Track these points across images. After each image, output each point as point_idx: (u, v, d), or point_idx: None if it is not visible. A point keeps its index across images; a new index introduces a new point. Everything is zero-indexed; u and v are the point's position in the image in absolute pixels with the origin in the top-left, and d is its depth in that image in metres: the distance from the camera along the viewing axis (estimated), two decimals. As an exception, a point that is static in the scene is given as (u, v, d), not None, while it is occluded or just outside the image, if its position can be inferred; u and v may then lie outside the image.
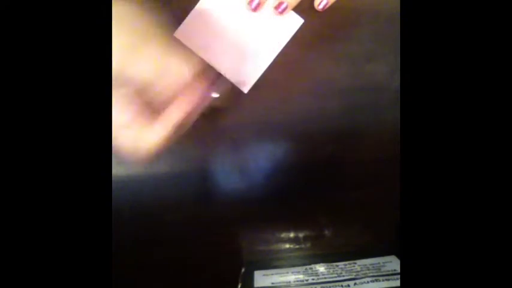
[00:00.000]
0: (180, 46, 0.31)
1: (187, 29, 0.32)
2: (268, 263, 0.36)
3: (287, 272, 0.34)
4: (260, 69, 0.33)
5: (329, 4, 0.31)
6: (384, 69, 0.33)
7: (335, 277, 0.33)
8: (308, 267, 0.35)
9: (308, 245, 0.37)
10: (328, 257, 0.36)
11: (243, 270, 0.35)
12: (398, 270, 0.32)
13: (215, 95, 0.33)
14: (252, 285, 0.33)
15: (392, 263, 0.33)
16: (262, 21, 0.33)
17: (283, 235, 0.36)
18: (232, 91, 0.33)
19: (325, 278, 0.33)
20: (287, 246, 0.37)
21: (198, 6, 0.32)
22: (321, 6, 0.31)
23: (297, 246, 0.37)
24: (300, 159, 0.35)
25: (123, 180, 0.34)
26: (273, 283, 0.33)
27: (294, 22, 0.32)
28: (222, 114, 0.33)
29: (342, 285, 0.31)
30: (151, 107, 0.28)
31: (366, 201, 0.35)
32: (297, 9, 0.32)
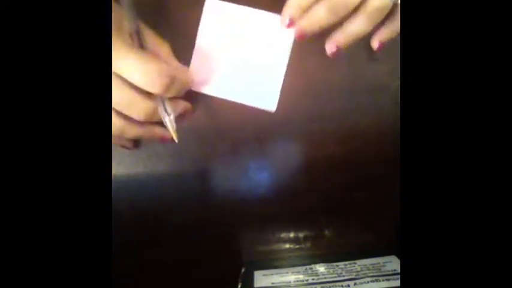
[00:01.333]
0: None
1: (195, 79, 0.33)
2: (268, 263, 0.36)
3: (287, 272, 0.34)
4: (278, 84, 0.33)
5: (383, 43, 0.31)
6: (384, 69, 0.33)
7: (335, 277, 0.33)
8: (308, 267, 0.35)
9: (308, 245, 0.37)
10: (328, 257, 0.36)
11: (243, 270, 0.35)
12: (398, 270, 0.32)
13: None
14: (252, 285, 0.33)
15: (392, 263, 0.33)
16: (260, 41, 0.33)
17: (283, 235, 0.36)
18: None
19: (325, 278, 0.33)
20: (287, 246, 0.37)
21: (194, 54, 0.32)
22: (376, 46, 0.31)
23: (297, 246, 0.37)
24: (300, 159, 0.35)
25: (123, 180, 0.34)
26: (273, 283, 0.33)
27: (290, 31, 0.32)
28: (223, 113, 0.34)
29: (342, 285, 0.31)
30: None
31: (366, 201, 0.35)
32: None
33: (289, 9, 0.30)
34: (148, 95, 0.28)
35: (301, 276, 0.33)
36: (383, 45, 0.31)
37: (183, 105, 0.32)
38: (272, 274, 0.34)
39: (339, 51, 0.31)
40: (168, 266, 0.36)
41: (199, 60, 0.32)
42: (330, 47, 0.31)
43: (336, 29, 0.30)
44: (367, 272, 0.33)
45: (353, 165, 0.35)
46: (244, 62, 0.33)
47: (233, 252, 0.36)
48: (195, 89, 0.33)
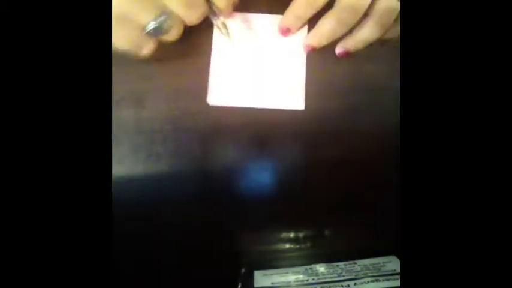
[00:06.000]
0: None
1: (216, 90, 0.33)
2: (268, 263, 0.36)
3: (287, 272, 0.34)
4: (301, 82, 0.33)
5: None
6: (383, 69, 0.33)
7: (335, 277, 0.33)
8: (308, 267, 0.35)
9: (308, 245, 0.37)
10: (328, 257, 0.36)
11: (243, 270, 0.35)
12: (398, 270, 0.32)
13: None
14: (252, 285, 0.33)
15: (392, 263, 0.33)
16: (273, 45, 0.33)
17: (283, 235, 0.36)
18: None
19: (325, 278, 0.33)
20: (287, 246, 0.37)
21: (212, 64, 0.33)
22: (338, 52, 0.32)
23: (297, 246, 0.37)
24: (300, 159, 0.35)
25: (123, 180, 0.34)
26: (273, 283, 0.33)
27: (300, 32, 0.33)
28: (223, 113, 0.34)
29: (342, 285, 0.31)
30: None
31: (366, 201, 0.35)
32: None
33: (286, 20, 0.31)
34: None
35: (301, 276, 0.33)
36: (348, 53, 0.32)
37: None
38: (272, 274, 0.34)
39: (348, 55, 0.31)
40: (168, 266, 0.36)
41: (218, 74, 0.33)
42: (339, 51, 0.31)
43: (346, 35, 0.30)
44: (367, 272, 0.33)
45: (353, 165, 0.35)
46: (263, 69, 0.33)
47: (233, 252, 0.36)
48: (214, 102, 0.33)
